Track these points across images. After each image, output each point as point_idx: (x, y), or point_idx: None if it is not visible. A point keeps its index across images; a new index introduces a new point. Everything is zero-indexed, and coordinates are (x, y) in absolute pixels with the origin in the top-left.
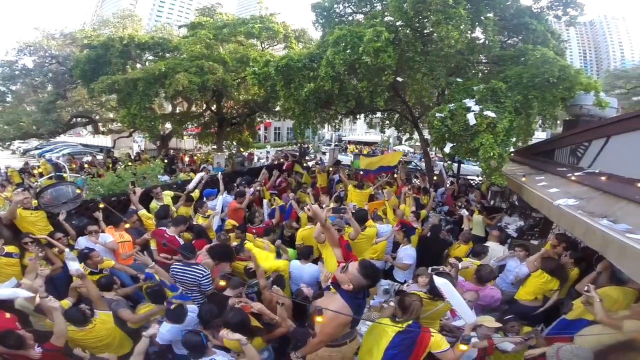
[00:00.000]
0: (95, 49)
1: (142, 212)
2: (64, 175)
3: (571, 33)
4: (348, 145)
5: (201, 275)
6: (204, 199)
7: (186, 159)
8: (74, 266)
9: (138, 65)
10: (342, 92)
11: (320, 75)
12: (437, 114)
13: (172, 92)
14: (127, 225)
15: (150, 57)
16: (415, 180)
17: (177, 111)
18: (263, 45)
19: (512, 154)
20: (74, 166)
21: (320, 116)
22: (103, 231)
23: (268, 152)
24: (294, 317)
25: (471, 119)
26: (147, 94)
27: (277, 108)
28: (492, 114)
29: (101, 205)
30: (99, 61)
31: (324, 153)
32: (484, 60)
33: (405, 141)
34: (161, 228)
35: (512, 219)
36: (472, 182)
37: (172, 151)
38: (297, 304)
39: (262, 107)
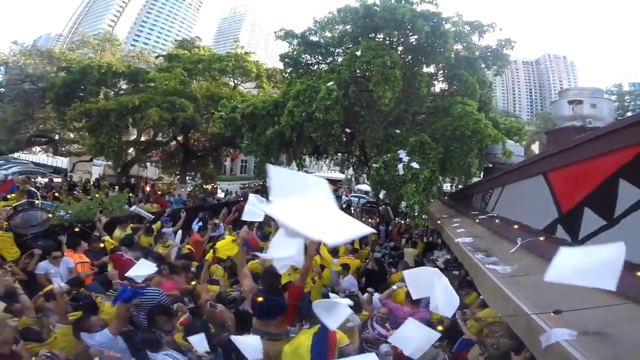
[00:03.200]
0: (72, 73)
1: (107, 238)
2: (36, 201)
3: (520, 74)
4: None
5: (154, 297)
6: (163, 229)
7: (147, 188)
8: (58, 282)
9: (111, 94)
10: (300, 139)
11: (282, 122)
12: (374, 165)
13: (142, 125)
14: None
15: (124, 86)
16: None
17: (143, 139)
18: (235, 82)
19: (446, 197)
20: (28, 186)
21: (284, 156)
22: (63, 255)
23: (229, 191)
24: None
25: (400, 169)
26: (117, 125)
27: (242, 144)
28: (417, 166)
29: (76, 229)
30: (73, 86)
31: None
32: (420, 111)
33: (364, 182)
34: (119, 253)
35: (441, 253)
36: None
37: (132, 179)
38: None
39: (228, 142)
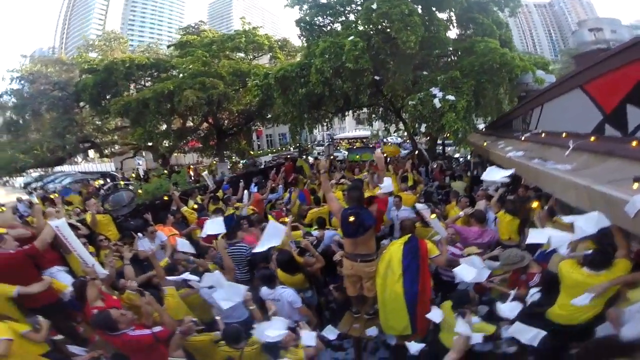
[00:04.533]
0: (98, 72)
1: (185, 208)
2: (120, 182)
3: (534, 17)
4: (340, 142)
5: (245, 251)
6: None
7: (191, 172)
8: (147, 245)
9: (139, 87)
10: (332, 93)
11: (311, 81)
12: (410, 102)
13: (183, 108)
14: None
15: (148, 78)
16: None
17: (174, 128)
18: (249, 57)
19: (484, 129)
20: (90, 189)
21: (312, 117)
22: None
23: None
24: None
25: (437, 103)
26: (159, 111)
27: (269, 115)
28: (452, 98)
29: (165, 198)
30: (104, 84)
31: (318, 154)
32: (443, 54)
33: (394, 132)
34: (203, 218)
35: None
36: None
37: (176, 167)
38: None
39: (255, 116)
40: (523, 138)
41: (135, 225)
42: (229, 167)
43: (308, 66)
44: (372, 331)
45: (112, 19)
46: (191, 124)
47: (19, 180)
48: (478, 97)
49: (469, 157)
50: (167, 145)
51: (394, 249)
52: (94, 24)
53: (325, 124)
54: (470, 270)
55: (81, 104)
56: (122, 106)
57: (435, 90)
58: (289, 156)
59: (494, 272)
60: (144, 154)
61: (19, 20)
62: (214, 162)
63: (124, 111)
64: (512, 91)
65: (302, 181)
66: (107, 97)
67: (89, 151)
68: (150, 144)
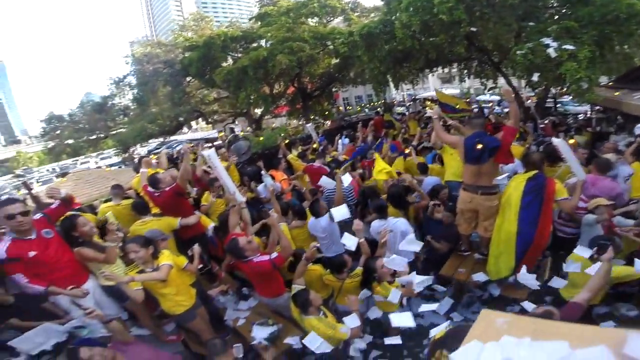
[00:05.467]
0: (199, 48)
1: (291, 156)
2: (241, 132)
3: None
4: (424, 102)
5: (347, 190)
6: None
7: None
8: (269, 181)
9: (230, 60)
10: (422, 47)
11: (397, 36)
12: (517, 52)
13: (277, 71)
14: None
15: (240, 49)
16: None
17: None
18: (323, 22)
19: (610, 83)
20: None
21: (397, 73)
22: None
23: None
24: None
25: (551, 52)
26: (256, 77)
27: (349, 76)
28: (571, 47)
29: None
30: (206, 58)
31: (399, 114)
32: (553, 4)
33: (488, 91)
34: (310, 164)
35: (620, 137)
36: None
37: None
38: None
39: (336, 78)
40: None
41: (252, 170)
42: (313, 127)
43: (391, 23)
44: (479, 276)
45: (186, 3)
46: (278, 90)
47: (143, 150)
48: (603, 48)
49: (588, 113)
50: (258, 111)
51: (516, 184)
52: (172, 9)
53: (410, 81)
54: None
55: (187, 78)
56: (225, 75)
57: (547, 40)
58: (379, 110)
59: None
60: (237, 122)
61: (106, 16)
62: (301, 124)
63: (226, 80)
64: None
65: (391, 133)
66: (208, 69)
67: (195, 121)
68: (244, 110)
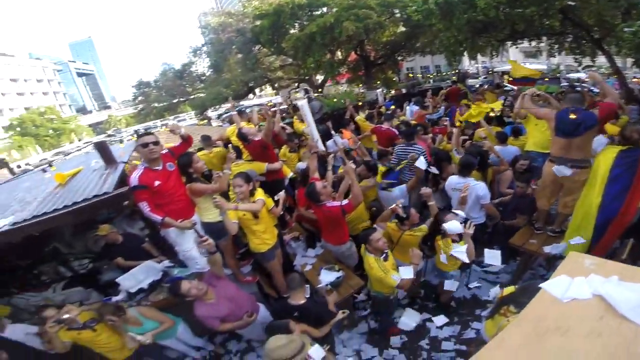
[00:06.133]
0: (269, 16)
1: (358, 117)
2: (314, 93)
3: None
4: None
5: (419, 151)
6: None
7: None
8: (339, 139)
9: (296, 25)
10: (508, 18)
11: (479, 6)
12: (625, 29)
13: (344, 37)
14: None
15: (305, 17)
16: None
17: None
18: None
19: None
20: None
21: (475, 44)
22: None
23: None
24: None
25: None
26: (323, 43)
27: (418, 45)
28: None
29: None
30: (276, 26)
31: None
32: None
33: (583, 68)
34: (378, 126)
35: None
36: None
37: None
38: None
39: (402, 46)
40: None
41: (322, 129)
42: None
43: None
44: (553, 249)
45: None
46: (340, 57)
47: (214, 114)
48: None
49: None
50: (320, 78)
51: (605, 156)
52: None
53: (490, 53)
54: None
55: (256, 46)
56: (294, 41)
57: None
58: (455, 78)
59: None
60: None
61: None
62: (362, 91)
63: (295, 46)
64: None
65: (464, 104)
66: (277, 36)
67: (260, 87)
68: (307, 77)
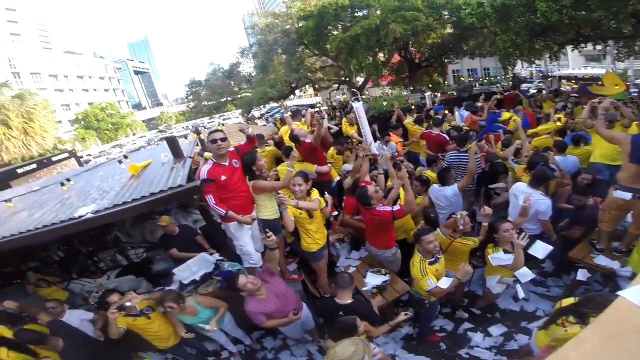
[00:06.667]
0: (314, 17)
1: (407, 121)
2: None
3: None
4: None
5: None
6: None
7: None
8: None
9: (339, 27)
10: (572, 21)
11: (540, 9)
12: None
13: (391, 40)
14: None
15: (348, 18)
16: None
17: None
18: None
19: None
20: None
21: (533, 47)
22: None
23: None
24: None
25: None
26: (368, 45)
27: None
28: None
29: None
30: (319, 27)
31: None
32: None
33: None
34: (427, 131)
35: None
36: None
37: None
38: None
39: (450, 49)
40: None
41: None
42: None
43: None
44: (625, 270)
45: None
46: (382, 59)
47: (257, 113)
48: None
49: None
50: (360, 80)
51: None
52: None
53: (549, 57)
54: None
55: (300, 47)
56: (338, 43)
57: None
58: (510, 82)
59: None
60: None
61: None
62: (405, 94)
63: (338, 47)
64: None
65: (520, 109)
66: (320, 38)
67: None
68: (347, 79)
